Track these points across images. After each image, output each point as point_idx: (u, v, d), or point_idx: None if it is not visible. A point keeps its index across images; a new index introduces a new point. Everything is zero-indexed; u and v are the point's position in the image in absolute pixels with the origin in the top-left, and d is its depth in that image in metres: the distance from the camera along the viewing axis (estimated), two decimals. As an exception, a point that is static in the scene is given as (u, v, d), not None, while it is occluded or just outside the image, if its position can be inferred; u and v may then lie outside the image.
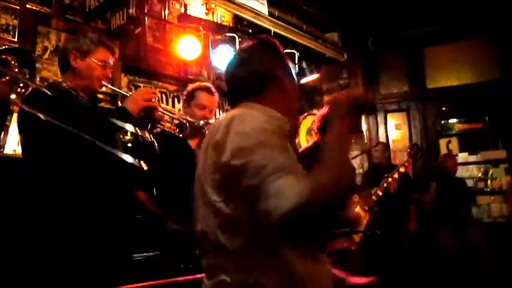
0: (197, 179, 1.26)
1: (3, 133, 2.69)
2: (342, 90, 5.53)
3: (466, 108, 5.56)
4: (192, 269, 1.82)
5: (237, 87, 1.32)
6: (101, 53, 1.95)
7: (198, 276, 1.37)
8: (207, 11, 4.46)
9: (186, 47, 3.97)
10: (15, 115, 2.18)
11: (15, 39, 3.21)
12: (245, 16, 4.18)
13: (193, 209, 1.27)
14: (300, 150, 2.77)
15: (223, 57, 4.01)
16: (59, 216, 1.73)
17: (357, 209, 2.84)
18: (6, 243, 2.28)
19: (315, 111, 5.07)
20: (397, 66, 5.57)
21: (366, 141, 5.32)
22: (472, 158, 5.53)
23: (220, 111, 4.39)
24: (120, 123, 1.80)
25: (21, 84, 1.57)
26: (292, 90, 1.33)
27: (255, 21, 4.20)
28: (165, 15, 4.18)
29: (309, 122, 5.18)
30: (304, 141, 5.12)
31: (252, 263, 1.12)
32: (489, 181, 5.45)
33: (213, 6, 4.35)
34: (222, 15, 4.64)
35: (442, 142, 5.61)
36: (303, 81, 5.03)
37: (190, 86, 2.56)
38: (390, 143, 5.49)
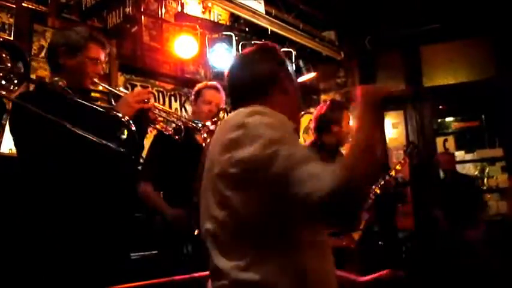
0: (204, 178, 1.25)
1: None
2: (339, 89, 5.54)
3: (462, 106, 5.58)
4: (189, 268, 1.81)
5: (240, 91, 1.35)
6: (91, 50, 1.89)
7: (195, 275, 1.37)
8: (203, 10, 4.46)
9: (183, 46, 3.96)
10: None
11: (11, 38, 3.21)
12: (242, 15, 4.17)
13: (198, 209, 1.27)
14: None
15: (220, 56, 4.00)
16: (55, 215, 1.72)
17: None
18: (2, 242, 2.28)
19: (311, 109, 5.07)
20: (394, 65, 5.57)
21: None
22: (469, 156, 5.56)
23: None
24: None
25: (16, 81, 1.54)
26: (293, 92, 1.36)
27: (252, 19, 4.19)
28: (161, 13, 4.18)
29: (306, 121, 5.18)
30: (301, 140, 5.12)
31: (260, 264, 1.11)
32: (485, 179, 5.47)
33: (209, 4, 4.35)
34: (219, 13, 4.64)
35: (439, 140, 5.63)
36: (300, 80, 5.03)
37: (198, 86, 2.70)
38: (387, 141, 5.50)
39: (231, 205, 1.14)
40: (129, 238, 2.17)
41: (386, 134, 5.56)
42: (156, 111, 2.02)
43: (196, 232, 2.00)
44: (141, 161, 2.52)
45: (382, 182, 3.03)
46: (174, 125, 2.17)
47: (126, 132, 1.92)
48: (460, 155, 5.48)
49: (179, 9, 4.14)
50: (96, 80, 1.92)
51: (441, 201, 4.47)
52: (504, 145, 5.34)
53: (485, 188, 5.37)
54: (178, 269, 1.88)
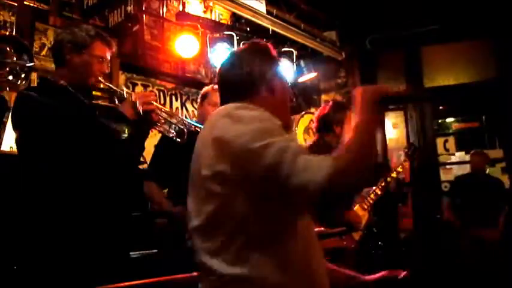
0: (192, 176, 1.26)
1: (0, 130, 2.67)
2: (339, 89, 5.54)
3: (463, 107, 5.57)
4: (189, 266, 1.81)
5: (229, 88, 1.37)
6: (97, 48, 1.90)
7: (195, 274, 1.37)
8: (205, 9, 4.46)
9: (184, 45, 3.96)
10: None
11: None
12: (243, 14, 4.17)
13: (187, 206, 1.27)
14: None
15: (221, 55, 4.00)
16: (55, 214, 1.72)
17: (356, 207, 2.85)
18: (3, 240, 2.28)
19: (312, 109, 5.08)
20: (395, 65, 5.57)
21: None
22: (469, 157, 5.55)
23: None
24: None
25: (23, 75, 1.54)
26: (281, 92, 1.36)
27: (253, 19, 4.19)
28: (163, 12, 4.18)
29: (306, 121, 5.18)
30: (301, 140, 5.12)
31: (248, 258, 1.12)
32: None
33: (211, 4, 4.35)
34: (220, 13, 4.64)
35: (439, 141, 5.63)
36: (301, 79, 5.03)
37: (204, 89, 2.73)
38: (387, 142, 5.51)
39: (218, 200, 1.14)
40: (129, 237, 2.18)
41: (386, 134, 5.56)
42: (160, 113, 2.02)
43: None
44: (142, 161, 2.53)
45: (383, 183, 3.03)
46: (177, 128, 2.18)
47: (127, 131, 1.93)
48: (460, 155, 5.48)
49: (180, 8, 4.14)
50: (100, 78, 1.93)
51: (455, 200, 4.47)
52: (504, 146, 5.34)
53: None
54: (179, 268, 1.88)
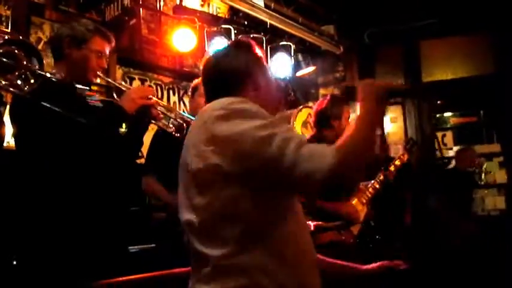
0: (182, 170, 1.25)
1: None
2: (337, 83, 5.53)
3: (461, 102, 5.58)
4: (187, 260, 1.81)
5: (214, 85, 1.37)
6: (96, 42, 1.89)
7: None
8: (202, 3, 4.44)
9: (181, 39, 3.94)
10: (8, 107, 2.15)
11: (9, 30, 3.18)
12: (241, 8, 4.15)
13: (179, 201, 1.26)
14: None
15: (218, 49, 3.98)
16: (54, 209, 1.71)
17: (355, 201, 2.85)
18: (1, 235, 2.27)
19: (310, 104, 5.06)
20: (393, 60, 5.56)
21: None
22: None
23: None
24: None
25: (32, 80, 1.52)
26: (266, 88, 1.37)
27: (251, 13, 4.17)
28: (160, 6, 4.15)
29: (304, 115, 5.17)
30: (299, 133, 5.11)
31: (245, 249, 1.12)
32: (483, 175, 5.48)
33: (208, -3, 4.33)
34: (218, 7, 4.62)
35: (437, 135, 5.63)
36: (299, 73, 5.02)
37: (194, 81, 2.72)
38: (385, 135, 5.51)
39: (213, 192, 1.14)
40: (127, 231, 2.17)
41: (384, 128, 5.57)
42: (158, 107, 2.01)
43: None
44: (140, 155, 2.53)
45: (382, 177, 3.03)
46: (175, 122, 2.17)
47: (125, 126, 1.93)
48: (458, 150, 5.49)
49: (178, 2, 4.11)
50: (99, 73, 1.92)
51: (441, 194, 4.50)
52: (502, 141, 5.35)
53: (482, 183, 5.37)
54: (177, 262, 1.87)
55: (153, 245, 2.68)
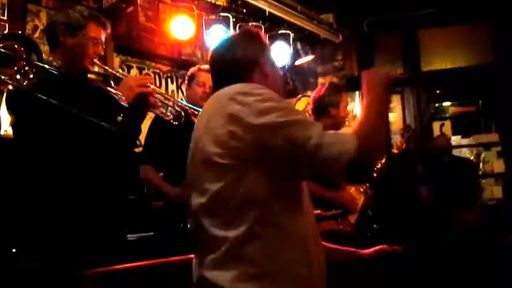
0: (193, 154, 1.25)
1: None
2: (336, 72, 5.50)
3: (459, 91, 5.57)
4: (185, 249, 1.82)
5: (221, 73, 1.38)
6: (92, 29, 1.88)
7: (192, 256, 1.38)
8: (200, -10, 4.39)
9: (180, 27, 3.91)
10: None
11: (5, 18, 3.15)
12: (239, -4, 4.11)
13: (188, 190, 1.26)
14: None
15: (217, 37, 3.96)
16: (52, 197, 1.72)
17: (352, 190, 2.85)
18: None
19: (309, 93, 5.05)
20: (392, 48, 5.54)
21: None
22: (465, 141, 5.57)
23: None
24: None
25: (31, 75, 1.52)
26: (273, 76, 1.39)
27: (250, 1, 4.14)
28: (157, -6, 4.10)
29: (303, 104, 5.16)
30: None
31: (260, 233, 1.12)
32: (481, 164, 5.49)
33: (206, -15, 4.28)
34: (216, -6, 4.57)
35: (436, 125, 5.63)
36: (298, 62, 4.99)
37: (191, 69, 2.77)
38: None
39: (229, 177, 1.14)
40: (126, 220, 2.18)
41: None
42: (156, 96, 2.01)
43: None
44: (139, 144, 2.53)
45: (379, 165, 3.04)
46: (173, 111, 2.17)
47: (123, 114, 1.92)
48: (456, 139, 5.49)
49: (176, -11, 4.08)
50: (96, 60, 1.91)
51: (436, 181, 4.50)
52: (500, 130, 5.35)
53: (480, 172, 5.39)
54: (175, 250, 1.88)
55: (151, 234, 2.69)
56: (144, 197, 2.85)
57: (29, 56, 1.54)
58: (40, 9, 3.37)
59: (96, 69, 2.05)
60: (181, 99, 3.19)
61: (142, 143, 2.64)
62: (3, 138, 2.87)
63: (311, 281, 1.18)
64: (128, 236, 2.42)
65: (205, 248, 1.19)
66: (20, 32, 3.01)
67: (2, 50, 1.49)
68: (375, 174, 2.99)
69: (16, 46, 1.52)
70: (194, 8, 3.96)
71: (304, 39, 4.91)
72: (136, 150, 2.53)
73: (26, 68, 1.54)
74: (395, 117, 5.52)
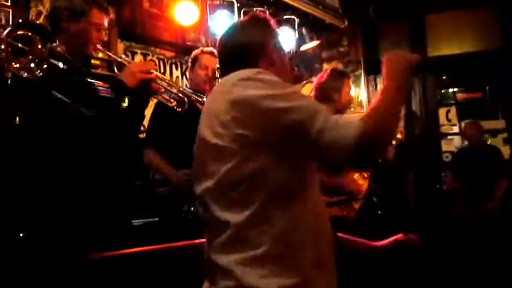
0: (202, 140, 1.24)
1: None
2: (341, 57, 5.46)
3: (466, 77, 5.52)
4: (190, 234, 1.84)
5: (229, 58, 1.37)
6: (94, 15, 1.87)
7: (196, 241, 1.39)
8: (205, -25, 4.35)
9: (184, 12, 3.89)
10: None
11: (8, 3, 3.14)
12: (244, -19, 4.08)
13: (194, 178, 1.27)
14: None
15: (221, 23, 3.93)
16: (58, 183, 1.73)
17: (356, 176, 2.85)
18: (4, 211, 2.30)
19: (313, 79, 5.02)
20: (398, 34, 5.48)
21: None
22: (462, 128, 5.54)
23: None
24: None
25: (45, 65, 1.51)
26: (280, 63, 1.38)
27: (254, -15, 4.11)
28: (161, -21, 4.07)
29: (308, 90, 5.12)
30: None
31: (269, 216, 1.12)
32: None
33: (211, -31, 4.24)
34: (221, -21, 4.53)
35: (442, 111, 5.60)
36: (303, 48, 4.95)
37: (193, 52, 2.75)
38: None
39: (236, 160, 1.14)
40: (131, 205, 2.19)
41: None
42: (160, 82, 2.01)
43: None
44: (142, 130, 2.53)
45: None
46: (177, 97, 2.17)
47: (127, 100, 1.93)
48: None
49: (180, -26, 4.04)
50: (99, 46, 1.91)
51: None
52: (507, 117, 5.32)
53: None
54: (180, 235, 1.90)
55: (156, 219, 2.71)
56: (149, 183, 2.86)
57: (44, 45, 1.54)
58: (43, -6, 3.36)
59: (100, 55, 2.04)
60: (186, 86, 3.19)
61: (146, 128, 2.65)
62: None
63: (318, 273, 1.16)
64: (133, 221, 2.44)
65: (213, 231, 1.20)
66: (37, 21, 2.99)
67: (19, 38, 1.49)
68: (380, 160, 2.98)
69: (31, 35, 1.52)
70: (198, -7, 3.93)
71: (309, 25, 4.87)
72: (140, 136, 2.55)
73: (40, 58, 1.54)
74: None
